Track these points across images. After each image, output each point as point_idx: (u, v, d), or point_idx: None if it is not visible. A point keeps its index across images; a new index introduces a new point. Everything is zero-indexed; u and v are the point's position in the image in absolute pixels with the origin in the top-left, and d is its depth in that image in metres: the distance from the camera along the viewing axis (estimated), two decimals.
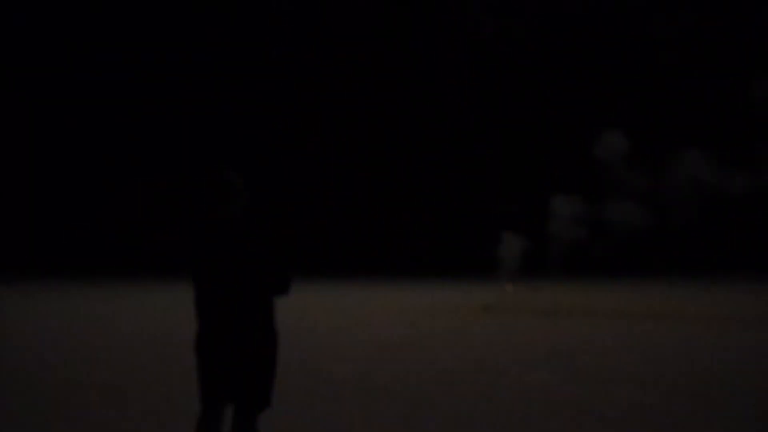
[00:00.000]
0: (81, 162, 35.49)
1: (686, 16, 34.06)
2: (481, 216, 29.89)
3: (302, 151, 35.62)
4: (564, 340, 14.30)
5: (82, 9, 34.94)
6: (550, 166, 34.12)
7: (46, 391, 9.16)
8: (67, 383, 9.56)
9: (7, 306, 22.12)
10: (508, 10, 34.97)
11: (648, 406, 8.38)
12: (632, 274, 32.24)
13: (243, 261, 4.73)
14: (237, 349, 4.70)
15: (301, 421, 7.24)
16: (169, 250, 29.91)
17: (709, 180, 28.73)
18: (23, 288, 28.32)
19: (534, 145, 34.55)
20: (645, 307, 21.47)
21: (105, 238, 35.20)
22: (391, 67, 36.24)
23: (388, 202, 35.27)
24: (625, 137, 28.47)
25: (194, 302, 4.84)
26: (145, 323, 17.44)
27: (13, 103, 34.58)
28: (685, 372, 10.64)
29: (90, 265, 34.22)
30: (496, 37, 34.45)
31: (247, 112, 35.76)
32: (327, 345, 13.52)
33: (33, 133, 35.11)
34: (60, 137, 35.50)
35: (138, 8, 35.42)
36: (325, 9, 36.42)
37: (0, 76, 34.30)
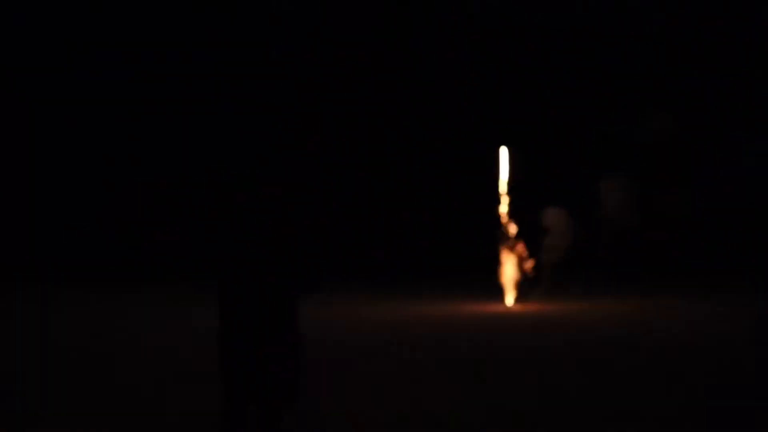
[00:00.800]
0: (81, 162, 35.42)
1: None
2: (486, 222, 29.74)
3: (302, 151, 35.58)
4: (581, 333, 14.28)
5: (82, 9, 34.89)
6: (592, 147, 33.68)
7: (51, 394, 9.08)
8: (74, 385, 9.48)
9: (7, 309, 22.06)
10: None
11: (664, 401, 8.34)
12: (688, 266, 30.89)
13: (269, 259, 4.70)
14: (261, 349, 4.66)
15: (321, 419, 7.20)
16: (182, 250, 29.85)
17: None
18: (22, 290, 28.24)
19: (576, 125, 34.21)
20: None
21: (105, 238, 35.13)
22: (391, 67, 36.21)
23: (389, 202, 35.23)
24: (673, 117, 27.66)
25: (218, 301, 4.80)
26: (149, 324, 17.39)
27: (13, 103, 34.54)
28: (708, 369, 10.59)
29: (89, 265, 34.14)
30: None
31: (247, 112, 35.72)
32: (341, 343, 13.48)
33: (33, 133, 35.05)
34: (60, 137, 35.43)
35: (138, 8, 35.37)
36: (325, 9, 36.39)
37: (0, 76, 34.25)
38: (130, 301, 23.51)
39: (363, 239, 35.16)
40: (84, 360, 11.74)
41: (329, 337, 14.29)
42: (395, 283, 29.95)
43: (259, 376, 4.56)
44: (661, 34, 34.15)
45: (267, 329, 4.59)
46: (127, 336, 14.75)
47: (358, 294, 25.91)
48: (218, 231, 4.76)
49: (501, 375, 10.01)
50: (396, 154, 35.85)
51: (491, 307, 21.00)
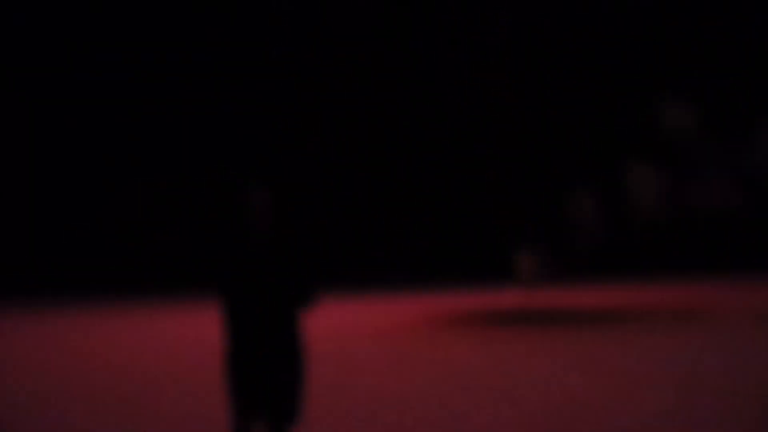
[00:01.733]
0: (81, 162, 35.47)
1: None
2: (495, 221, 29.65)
3: (302, 151, 35.64)
4: (587, 345, 14.28)
5: (82, 9, 34.93)
6: (618, 137, 33.37)
7: (56, 409, 9.10)
8: (79, 400, 9.49)
9: (7, 318, 22.09)
10: None
11: (670, 412, 8.36)
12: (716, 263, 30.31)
13: (271, 275, 4.71)
14: (268, 363, 4.68)
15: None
16: (182, 251, 29.87)
17: None
18: (22, 299, 28.26)
19: (596, 119, 34.03)
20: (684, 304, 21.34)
21: (105, 239, 35.18)
22: (391, 67, 36.24)
23: (390, 202, 35.27)
24: (693, 107, 27.40)
25: (224, 317, 4.80)
26: (149, 326, 17.40)
27: (13, 103, 34.57)
28: (712, 378, 10.60)
29: (90, 268, 34.20)
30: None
31: (247, 112, 35.77)
32: (341, 353, 13.48)
33: (33, 133, 35.10)
34: (60, 137, 35.48)
35: (138, 8, 35.41)
36: (325, 9, 36.43)
37: (0, 76, 34.30)
38: (130, 302, 23.54)
39: (363, 239, 35.21)
40: (82, 363, 11.76)
41: (331, 344, 14.31)
42: (395, 284, 29.95)
43: (267, 391, 4.58)
44: (682, 28, 34.06)
45: (272, 339, 4.60)
46: (126, 338, 14.77)
47: (357, 295, 25.94)
48: (219, 233, 4.77)
49: (503, 380, 10.03)
50: (396, 153, 35.89)
51: (494, 306, 21.02)
